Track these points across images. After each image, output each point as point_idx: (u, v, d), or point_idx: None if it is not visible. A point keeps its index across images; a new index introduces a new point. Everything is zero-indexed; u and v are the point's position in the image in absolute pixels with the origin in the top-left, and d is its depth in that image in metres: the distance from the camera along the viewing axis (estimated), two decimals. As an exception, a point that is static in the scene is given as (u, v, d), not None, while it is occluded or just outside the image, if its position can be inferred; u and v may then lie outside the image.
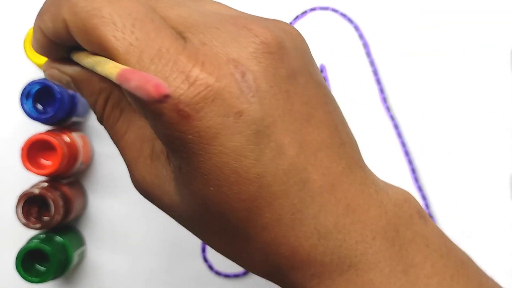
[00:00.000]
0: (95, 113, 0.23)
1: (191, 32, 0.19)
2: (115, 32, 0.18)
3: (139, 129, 0.21)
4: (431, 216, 0.41)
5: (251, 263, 0.21)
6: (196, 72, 0.18)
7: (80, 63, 0.21)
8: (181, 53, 0.18)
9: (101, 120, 0.23)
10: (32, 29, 0.26)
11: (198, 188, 0.19)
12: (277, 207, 0.19)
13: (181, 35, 0.19)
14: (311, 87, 0.20)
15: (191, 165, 0.19)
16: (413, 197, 0.22)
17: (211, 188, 0.19)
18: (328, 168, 0.19)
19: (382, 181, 0.22)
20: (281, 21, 0.21)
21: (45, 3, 0.22)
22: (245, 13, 0.22)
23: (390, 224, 0.20)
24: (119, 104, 0.22)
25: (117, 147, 0.22)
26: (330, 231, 0.19)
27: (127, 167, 0.22)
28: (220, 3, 0.22)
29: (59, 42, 0.21)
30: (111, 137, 0.23)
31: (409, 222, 0.21)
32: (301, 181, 0.19)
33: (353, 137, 0.22)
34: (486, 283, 0.22)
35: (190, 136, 0.18)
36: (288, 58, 0.19)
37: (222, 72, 0.18)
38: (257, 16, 0.21)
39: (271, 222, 0.19)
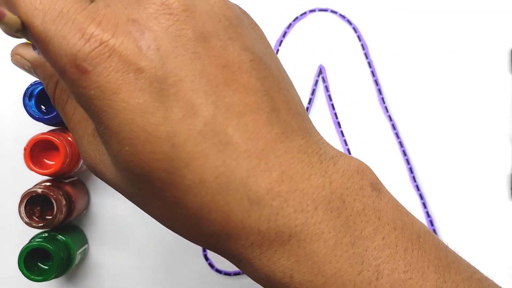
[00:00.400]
0: (49, 96, 0.24)
1: None
2: None
3: None
4: (428, 215, 0.42)
5: (187, 231, 0.21)
6: (91, 29, 0.18)
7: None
8: (79, 13, 0.19)
9: (53, 103, 0.24)
10: None
11: (117, 150, 0.19)
12: (197, 169, 0.18)
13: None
14: (231, 52, 0.19)
15: (102, 123, 0.19)
16: (369, 169, 0.21)
17: (127, 148, 0.19)
18: (256, 133, 0.19)
19: (336, 152, 0.21)
20: None
21: None
22: None
23: (334, 194, 0.19)
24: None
25: (68, 128, 0.23)
26: (262, 197, 0.19)
27: (77, 146, 0.23)
28: None
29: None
30: (63, 119, 0.24)
31: (358, 193, 0.20)
32: (220, 143, 0.18)
33: (296, 106, 0.21)
34: (445, 257, 0.21)
35: (92, 92, 0.18)
36: (195, 21, 0.19)
37: (119, 30, 0.18)
38: None
39: (194, 185, 0.19)
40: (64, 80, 0.19)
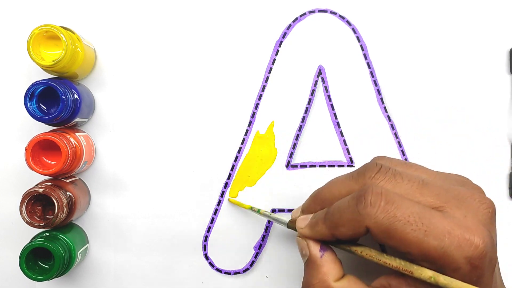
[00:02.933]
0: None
1: (449, 207, 0.30)
2: (411, 227, 0.29)
3: None
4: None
5: None
6: (474, 239, 0.28)
7: (372, 258, 0.32)
8: (456, 228, 0.29)
9: None
10: (298, 212, 0.36)
11: None
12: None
13: (439, 209, 0.30)
14: None
15: None
16: None
17: None
18: None
19: None
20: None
21: (337, 218, 0.31)
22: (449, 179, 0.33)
23: None
24: None
25: None
26: None
27: None
28: (423, 167, 0.33)
29: (342, 239, 0.32)
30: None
31: None
32: None
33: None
34: None
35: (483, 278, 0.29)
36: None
37: (483, 235, 0.29)
38: (468, 185, 0.33)
39: None
40: (454, 274, 0.29)
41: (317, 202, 0.35)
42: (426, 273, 0.29)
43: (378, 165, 0.32)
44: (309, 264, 0.33)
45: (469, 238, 0.28)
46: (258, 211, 0.40)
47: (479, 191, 0.32)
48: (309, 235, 0.34)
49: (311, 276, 0.33)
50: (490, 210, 0.31)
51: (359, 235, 0.31)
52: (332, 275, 0.32)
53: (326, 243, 0.34)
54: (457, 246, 0.28)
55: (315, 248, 0.33)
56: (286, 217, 0.38)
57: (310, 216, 0.34)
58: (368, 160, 0.42)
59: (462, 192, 0.31)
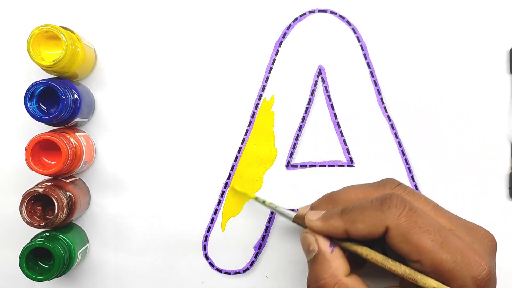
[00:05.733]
0: None
1: (459, 232, 0.32)
2: (430, 236, 0.30)
3: None
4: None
5: None
6: (482, 262, 0.30)
7: (370, 258, 0.32)
8: (467, 249, 0.30)
9: None
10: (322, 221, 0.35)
11: None
12: None
13: (451, 232, 0.31)
14: None
15: None
16: None
17: None
18: None
19: None
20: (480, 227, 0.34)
21: (357, 214, 0.32)
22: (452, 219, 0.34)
23: None
24: None
25: None
26: None
27: None
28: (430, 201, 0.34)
29: (355, 238, 0.32)
30: None
31: None
32: None
33: None
34: None
35: None
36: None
37: (489, 262, 0.30)
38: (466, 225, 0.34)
39: None
40: None
41: (330, 201, 0.35)
42: (431, 283, 0.30)
43: (397, 181, 0.35)
44: (319, 259, 0.34)
45: (478, 260, 0.30)
46: (263, 202, 0.39)
47: (483, 227, 0.34)
48: (320, 228, 0.34)
49: (321, 271, 0.33)
50: (493, 244, 0.33)
51: (374, 234, 0.31)
52: (342, 270, 0.33)
53: (333, 241, 0.34)
54: (467, 264, 0.30)
55: (324, 244, 0.34)
56: (291, 213, 0.38)
57: (322, 212, 0.35)
58: (368, 160, 0.42)
59: (470, 223, 0.33)
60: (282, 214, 0.38)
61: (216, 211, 0.42)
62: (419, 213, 0.31)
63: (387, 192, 0.33)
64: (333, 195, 0.36)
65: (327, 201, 0.35)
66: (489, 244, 0.33)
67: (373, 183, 0.35)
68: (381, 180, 0.35)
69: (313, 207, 0.36)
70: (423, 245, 0.30)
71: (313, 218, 0.34)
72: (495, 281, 0.31)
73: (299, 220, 0.36)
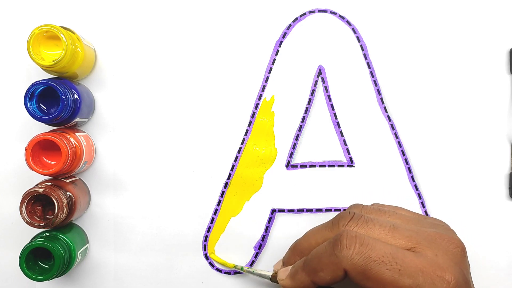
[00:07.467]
0: None
1: (420, 248, 0.31)
2: (386, 267, 0.30)
3: None
4: (426, 214, 0.42)
5: None
6: (446, 275, 0.30)
7: None
8: (428, 266, 0.30)
9: None
10: (283, 264, 0.37)
11: None
12: None
13: (411, 250, 0.31)
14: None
15: None
16: None
17: None
18: None
19: None
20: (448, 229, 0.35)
21: (315, 264, 0.32)
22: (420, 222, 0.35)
23: None
24: None
25: None
26: None
27: None
28: (397, 213, 0.35)
29: (325, 285, 0.33)
30: None
31: None
32: None
33: None
34: None
35: None
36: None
37: (454, 272, 0.30)
38: (437, 228, 0.34)
39: None
40: None
41: (296, 253, 0.36)
42: None
43: (351, 213, 0.34)
44: None
45: (441, 275, 0.30)
46: (242, 269, 0.40)
47: (451, 232, 0.34)
48: (290, 285, 0.34)
49: None
50: (460, 249, 0.32)
51: (338, 278, 0.31)
52: None
53: None
54: (430, 283, 0.30)
55: None
56: (269, 271, 0.39)
57: (290, 267, 0.35)
58: (368, 160, 0.42)
59: (432, 234, 0.33)
60: (260, 275, 0.39)
61: (216, 211, 0.42)
62: (371, 246, 0.31)
63: (338, 232, 0.33)
64: (297, 246, 0.36)
65: (294, 253, 0.36)
66: (454, 251, 0.32)
67: (328, 223, 0.35)
68: (334, 218, 0.35)
69: (284, 262, 0.37)
70: (382, 278, 0.30)
71: (283, 277, 0.35)
72: (468, 286, 0.31)
73: (275, 279, 0.38)
